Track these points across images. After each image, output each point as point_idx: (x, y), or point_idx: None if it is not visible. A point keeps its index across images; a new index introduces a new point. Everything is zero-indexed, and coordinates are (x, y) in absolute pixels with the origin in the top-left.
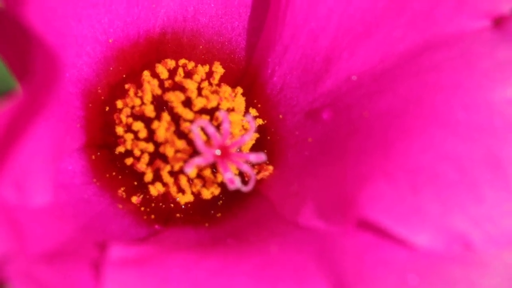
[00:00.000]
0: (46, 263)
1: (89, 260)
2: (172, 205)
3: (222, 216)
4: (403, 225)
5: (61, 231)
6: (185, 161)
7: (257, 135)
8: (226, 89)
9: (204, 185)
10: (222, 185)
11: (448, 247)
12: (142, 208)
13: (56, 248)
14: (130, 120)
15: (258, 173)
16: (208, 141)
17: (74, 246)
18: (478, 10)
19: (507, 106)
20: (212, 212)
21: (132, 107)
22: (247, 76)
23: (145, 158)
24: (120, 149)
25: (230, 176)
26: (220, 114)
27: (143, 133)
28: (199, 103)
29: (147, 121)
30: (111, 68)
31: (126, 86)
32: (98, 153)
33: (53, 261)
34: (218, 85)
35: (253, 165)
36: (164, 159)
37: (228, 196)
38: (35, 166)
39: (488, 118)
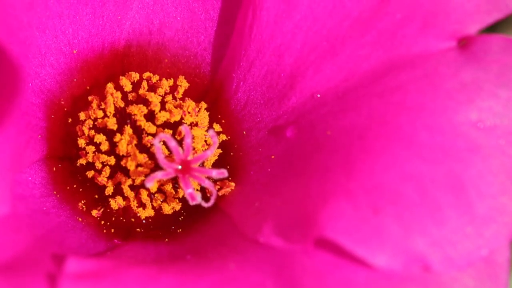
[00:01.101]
0: (1, 274)
1: (45, 273)
2: (132, 219)
3: (183, 232)
4: (362, 245)
5: (17, 243)
6: (147, 175)
7: (220, 151)
8: (190, 104)
9: (165, 200)
10: (183, 200)
11: (407, 269)
12: (102, 222)
13: (12, 259)
14: (92, 132)
15: (220, 189)
16: (170, 155)
17: (30, 258)
18: (444, 30)
19: (470, 128)
20: (173, 227)
21: (95, 119)
22: (211, 91)
23: (107, 171)
24: (82, 161)
25: (191, 192)
26: (183, 129)
27: (105, 146)
28: (162, 117)
29: (109, 134)
30: (75, 80)
31: (90, 98)
32: (59, 165)
33: (7, 273)
34: (182, 99)
35: (215, 181)
36: (126, 172)
37: (189, 212)
38: None
39: (451, 140)
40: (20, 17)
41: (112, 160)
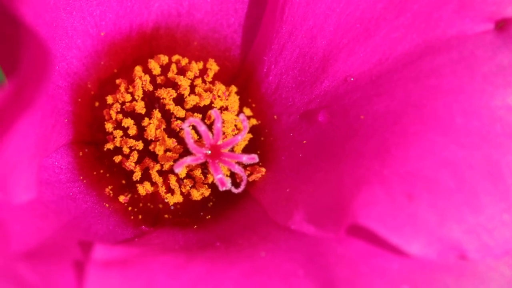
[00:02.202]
0: (27, 261)
1: (72, 260)
2: (160, 205)
3: (212, 219)
4: (397, 233)
5: (44, 229)
6: (175, 161)
7: (250, 136)
8: (220, 87)
9: (194, 186)
10: (212, 186)
11: (443, 257)
12: (130, 208)
13: (38, 246)
14: (120, 116)
15: (250, 175)
16: (200, 140)
17: (56, 245)
18: (481, 12)
19: (508, 112)
20: (202, 214)
21: (123, 103)
22: (242, 74)
23: (134, 156)
24: (109, 146)
25: (221, 177)
26: (212, 113)
27: (132, 130)
28: (191, 100)
29: (138, 118)
30: (102, 63)
31: (117, 81)
32: (86, 150)
33: (34, 260)
34: (212, 82)
35: (245, 167)
36: (154, 157)
37: (219, 198)
38: (19, 162)
39: (488, 125)
40: None
41: (140, 145)
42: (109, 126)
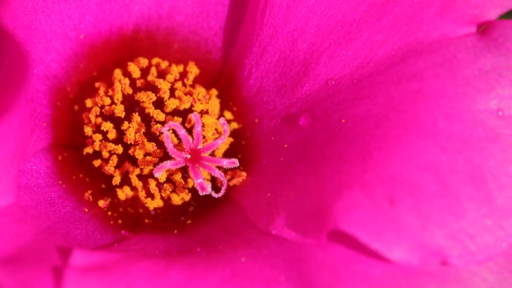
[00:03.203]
0: (4, 267)
1: (51, 265)
2: (140, 210)
3: (193, 223)
4: (378, 238)
5: (21, 235)
6: (155, 165)
7: (231, 140)
8: (200, 91)
9: (174, 190)
10: (193, 190)
11: (424, 263)
12: (109, 213)
13: (16, 251)
14: (99, 120)
15: (231, 179)
16: (180, 144)
17: (35, 250)
18: (463, 15)
19: (490, 117)
20: (182, 218)
21: (102, 107)
22: (222, 78)
23: (114, 160)
24: (88, 150)
25: (201, 182)
26: (192, 117)
27: (112, 134)
28: (171, 104)
29: (117, 122)
30: (81, 66)
31: (97, 84)
32: (65, 154)
33: (11, 265)
34: (192, 86)
35: (226, 171)
36: (134, 161)
37: (199, 203)
38: None
39: (471, 129)
40: (24, 1)
41: (119, 149)
42: (88, 130)
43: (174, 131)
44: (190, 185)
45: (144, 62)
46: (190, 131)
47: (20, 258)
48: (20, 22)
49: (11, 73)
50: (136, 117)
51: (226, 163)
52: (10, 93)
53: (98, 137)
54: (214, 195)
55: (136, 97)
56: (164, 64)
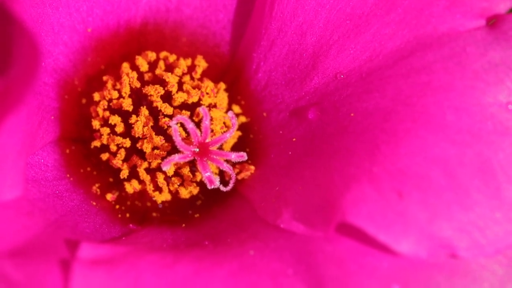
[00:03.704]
0: (12, 259)
1: (58, 259)
2: (148, 203)
3: (200, 217)
4: (386, 231)
5: (29, 228)
6: (163, 158)
7: (239, 133)
8: (208, 84)
9: (182, 184)
10: (201, 184)
11: (433, 255)
12: (117, 206)
13: (24, 244)
14: (107, 113)
15: (239, 172)
16: (188, 138)
17: (43, 243)
18: (473, 8)
19: (499, 110)
20: (190, 212)
21: (110, 100)
22: (231, 71)
23: (122, 153)
24: (96, 143)
25: (209, 175)
26: (201, 110)
27: (120, 128)
28: (179, 98)
29: (125, 115)
30: (89, 59)
31: (104, 78)
32: (73, 147)
33: (19, 258)
34: (200, 79)
35: (234, 164)
36: (142, 155)
37: (207, 196)
38: (5, 159)
39: (480, 122)
40: None
41: (127, 142)
42: (96, 124)
43: (182, 125)
44: (198, 178)
45: (152, 55)
46: (198, 124)
47: (28, 251)
48: (28, 15)
49: (22, 65)
50: (144, 111)
51: (234, 156)
52: (20, 86)
53: (106, 130)
54: (222, 188)
55: (144, 91)
56: (172, 58)
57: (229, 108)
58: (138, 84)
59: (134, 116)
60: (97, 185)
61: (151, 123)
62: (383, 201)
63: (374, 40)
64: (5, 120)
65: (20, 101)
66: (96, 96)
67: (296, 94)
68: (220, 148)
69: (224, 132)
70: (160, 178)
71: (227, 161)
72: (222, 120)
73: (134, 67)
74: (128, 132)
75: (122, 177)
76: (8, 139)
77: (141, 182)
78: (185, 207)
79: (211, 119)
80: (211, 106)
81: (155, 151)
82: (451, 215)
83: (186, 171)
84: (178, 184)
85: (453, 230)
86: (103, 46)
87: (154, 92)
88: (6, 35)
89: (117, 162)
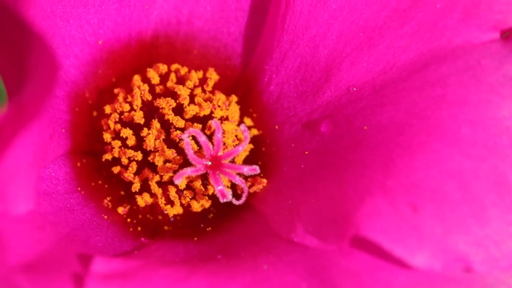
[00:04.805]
0: (25, 274)
1: (71, 272)
2: (160, 217)
3: (213, 230)
4: (401, 245)
5: (42, 241)
6: (175, 172)
7: (251, 146)
8: (220, 97)
9: (194, 197)
10: (213, 197)
11: (448, 269)
12: (129, 220)
13: (36, 258)
14: (118, 126)
15: (251, 186)
16: (200, 151)
17: (55, 257)
18: (487, 21)
19: None
20: (202, 225)
21: (121, 113)
22: (242, 84)
23: (133, 167)
24: (107, 156)
25: (221, 189)
26: (213, 123)
27: (131, 141)
28: (191, 110)
29: (136, 128)
30: (100, 71)
31: (115, 90)
32: (84, 160)
33: (32, 272)
34: (212, 92)
35: (246, 178)
36: (153, 168)
37: (219, 210)
38: (17, 172)
39: (495, 136)
40: (43, 6)
41: (139, 156)
42: (107, 136)
43: (194, 138)
44: (210, 192)
45: (163, 68)
46: (210, 137)
47: (41, 265)
48: (40, 27)
49: (39, 79)
50: (156, 124)
51: (247, 170)
52: (36, 100)
53: (117, 143)
54: (235, 202)
55: (155, 104)
56: (183, 70)
57: (241, 121)
58: (149, 97)
59: (145, 129)
60: (108, 198)
61: (162, 136)
62: (398, 214)
63: (387, 52)
64: (19, 135)
65: (35, 116)
66: (107, 109)
67: (308, 107)
68: (232, 161)
69: (237, 145)
70: (172, 191)
71: (239, 174)
72: (234, 133)
73: (146, 80)
74: (139, 145)
75: (133, 191)
76: (20, 152)
77: (152, 195)
78: (197, 220)
79: (223, 132)
80: (223, 119)
81: (167, 164)
82: (466, 229)
83: (198, 184)
84: (190, 197)
85: (468, 244)
86: (114, 58)
87: (166, 104)
88: (21, 48)
89: (129, 175)
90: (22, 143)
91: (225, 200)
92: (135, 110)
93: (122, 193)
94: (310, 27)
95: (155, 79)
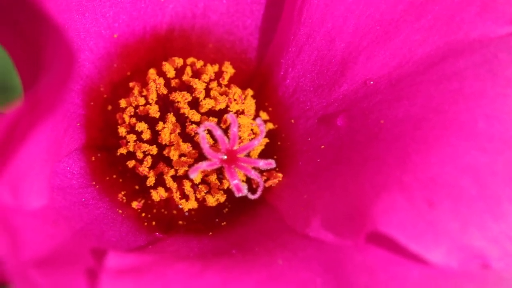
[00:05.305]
0: (39, 268)
1: (84, 268)
2: (174, 211)
3: (227, 225)
4: (417, 241)
5: (56, 236)
6: (190, 166)
7: (267, 140)
8: (235, 91)
9: (209, 192)
10: (228, 192)
11: (464, 265)
12: (143, 214)
13: (50, 253)
14: (134, 120)
15: (266, 180)
16: (215, 145)
17: (68, 252)
18: (504, 15)
19: None
20: (217, 220)
21: (136, 107)
22: (258, 78)
23: (148, 161)
24: (122, 150)
25: (237, 183)
26: (228, 117)
27: (146, 135)
28: (206, 104)
29: (151, 122)
30: (115, 65)
31: (131, 84)
32: (98, 154)
33: (46, 267)
34: (228, 86)
35: (261, 172)
36: (168, 162)
37: (234, 204)
38: (31, 167)
39: (511, 130)
40: (59, 0)
41: (154, 150)
42: (122, 130)
43: (209, 132)
44: (225, 186)
45: (179, 61)
46: (225, 131)
47: (54, 260)
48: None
49: (56, 73)
50: (171, 118)
51: (262, 164)
52: (52, 94)
53: (132, 137)
54: (250, 196)
55: (171, 97)
56: (199, 64)
57: (257, 115)
58: (165, 91)
59: (161, 123)
60: (123, 192)
61: (178, 130)
62: (414, 210)
63: (404, 46)
64: (34, 129)
65: (51, 110)
66: (122, 103)
67: (324, 101)
68: (248, 155)
69: (252, 139)
70: (187, 185)
71: (255, 168)
72: (250, 127)
73: (161, 73)
74: (154, 139)
75: (148, 185)
76: (34, 146)
77: (167, 189)
78: (212, 215)
79: (239, 126)
80: (239, 113)
81: (182, 158)
82: (483, 225)
83: (213, 178)
84: (205, 191)
85: (485, 240)
86: (129, 52)
87: (181, 98)
88: (37, 40)
89: (144, 169)
90: (36, 138)
91: (240, 195)
92: (150, 104)
93: (137, 187)
94: (327, 21)
95: (171, 73)
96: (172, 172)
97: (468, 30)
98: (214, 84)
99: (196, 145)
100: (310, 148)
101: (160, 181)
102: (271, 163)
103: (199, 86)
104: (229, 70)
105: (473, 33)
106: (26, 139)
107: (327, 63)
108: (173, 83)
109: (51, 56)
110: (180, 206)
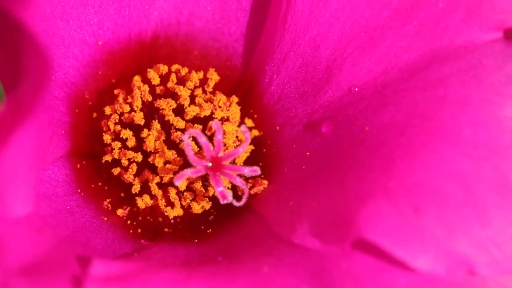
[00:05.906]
0: (24, 277)
1: (70, 275)
2: (160, 219)
3: (213, 232)
4: (403, 247)
5: (41, 244)
6: (175, 173)
7: (252, 147)
8: (220, 98)
9: (194, 199)
10: (213, 199)
11: (451, 272)
12: (128, 222)
13: (35, 261)
14: (118, 127)
15: (252, 187)
16: (200, 152)
17: (54, 260)
18: (489, 21)
19: None
20: (203, 227)
21: (121, 114)
22: (243, 84)
23: (133, 168)
24: (107, 158)
25: (222, 190)
26: (213, 124)
27: (131, 142)
28: (191, 111)
29: (136, 129)
30: (100, 72)
31: (116, 91)
32: (84, 162)
33: (31, 275)
34: (213, 93)
35: (247, 179)
36: (153, 170)
37: (220, 211)
38: (16, 175)
39: (497, 136)
40: (43, 6)
41: (139, 157)
42: (107, 138)
43: (194, 139)
44: (210, 193)
45: (163, 68)
46: (210, 138)
47: (40, 268)
48: (38, 27)
49: (32, 78)
50: (156, 125)
51: (247, 171)
52: (29, 99)
53: (117, 145)
54: (235, 203)
55: (155, 104)
56: (184, 71)
57: (242, 122)
58: (149, 98)
59: (145, 130)
60: (108, 200)
61: (163, 137)
62: (400, 216)
63: (389, 52)
64: (15, 134)
65: (29, 114)
66: (107, 110)
67: (309, 108)
68: (233, 162)
69: (237, 146)
70: (172, 193)
71: (240, 175)
72: (235, 134)
73: (146, 81)
74: (139, 146)
75: (133, 192)
76: (19, 154)
77: (152, 197)
78: (198, 222)
79: (224, 133)
80: (224, 120)
81: (167, 165)
82: (468, 231)
83: (198, 185)
84: (191, 199)
85: (471, 246)
86: (114, 59)
87: (166, 105)
88: (16, 48)
89: (129, 176)
90: (19, 142)
91: (225, 202)
92: (135, 111)
93: (122, 195)
94: (311, 27)
95: (156, 80)
96: (157, 179)
97: (453, 36)
98: (199, 91)
99: (181, 152)
100: (296, 155)
101: (145, 189)
102: (256, 170)
103: (183, 93)
104: (214, 77)
105: (458, 39)
106: (8, 143)
107: (312, 70)
108: (158, 90)
109: (27, 63)
110: (166, 214)
